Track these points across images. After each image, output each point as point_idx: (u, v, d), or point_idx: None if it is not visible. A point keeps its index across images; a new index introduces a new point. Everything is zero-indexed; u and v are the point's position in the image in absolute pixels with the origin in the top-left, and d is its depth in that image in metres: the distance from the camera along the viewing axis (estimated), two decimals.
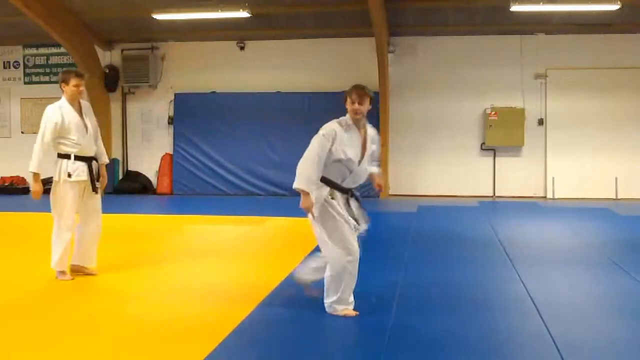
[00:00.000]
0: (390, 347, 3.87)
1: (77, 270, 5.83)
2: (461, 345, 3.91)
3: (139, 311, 4.74)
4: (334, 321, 4.42)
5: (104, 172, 5.92)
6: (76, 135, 5.60)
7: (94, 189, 5.74)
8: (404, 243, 7.72)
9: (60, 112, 5.57)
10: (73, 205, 5.60)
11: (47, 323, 4.37)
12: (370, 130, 4.66)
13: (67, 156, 5.57)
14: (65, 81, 5.64)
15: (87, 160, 5.68)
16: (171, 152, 14.43)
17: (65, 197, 5.57)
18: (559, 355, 3.66)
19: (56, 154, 5.64)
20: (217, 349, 3.80)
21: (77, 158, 5.60)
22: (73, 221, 5.66)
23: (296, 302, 4.91)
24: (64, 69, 6.81)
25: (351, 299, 4.52)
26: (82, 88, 5.70)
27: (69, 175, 5.54)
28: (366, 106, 4.48)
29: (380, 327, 4.29)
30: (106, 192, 14.16)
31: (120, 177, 14.72)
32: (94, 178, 5.71)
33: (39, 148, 5.51)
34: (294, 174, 4.36)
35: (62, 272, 5.65)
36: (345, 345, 3.93)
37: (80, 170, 5.60)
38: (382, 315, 4.55)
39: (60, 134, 5.55)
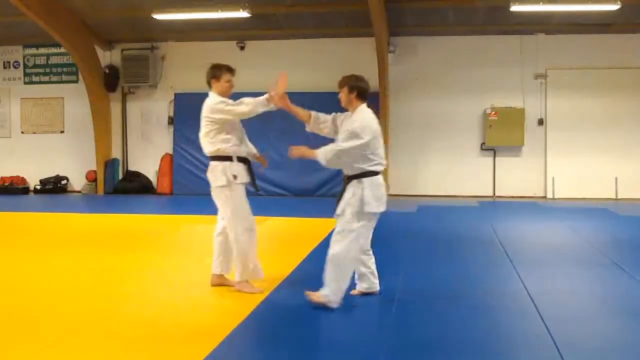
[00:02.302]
0: (390, 347, 3.87)
1: (218, 283, 5.35)
2: (461, 345, 3.91)
3: (139, 311, 4.74)
4: (334, 321, 4.42)
5: (262, 158, 5.52)
6: (238, 135, 5.18)
7: (257, 189, 5.33)
8: (403, 243, 7.71)
9: None
10: (247, 206, 5.15)
11: (46, 323, 4.36)
12: None
13: (229, 158, 5.11)
14: (217, 77, 5.20)
15: (245, 161, 5.24)
16: (171, 152, 14.42)
17: (241, 199, 5.13)
18: (559, 355, 3.66)
19: (210, 157, 5.22)
20: (217, 348, 3.79)
21: (238, 159, 5.17)
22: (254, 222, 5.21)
23: (296, 301, 4.91)
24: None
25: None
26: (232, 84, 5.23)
27: (235, 177, 5.08)
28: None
29: (380, 327, 4.29)
30: (106, 193, 14.25)
31: (120, 177, 14.71)
32: (254, 178, 5.27)
33: (253, 105, 5.20)
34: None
35: (246, 283, 5.16)
36: (345, 345, 3.93)
37: (244, 173, 5.17)
38: (382, 315, 4.56)
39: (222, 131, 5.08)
